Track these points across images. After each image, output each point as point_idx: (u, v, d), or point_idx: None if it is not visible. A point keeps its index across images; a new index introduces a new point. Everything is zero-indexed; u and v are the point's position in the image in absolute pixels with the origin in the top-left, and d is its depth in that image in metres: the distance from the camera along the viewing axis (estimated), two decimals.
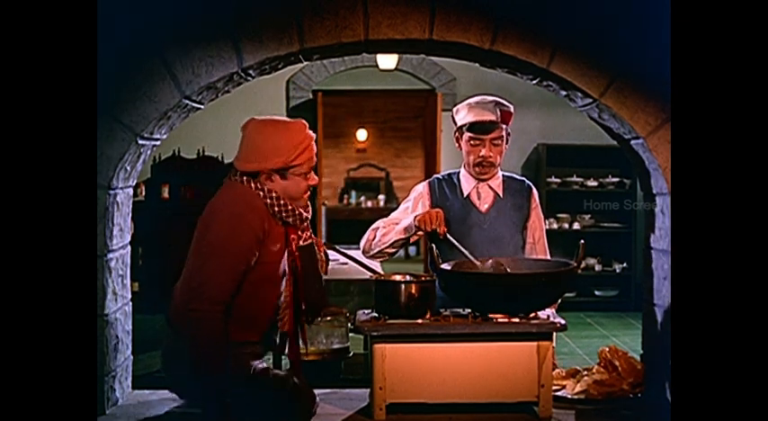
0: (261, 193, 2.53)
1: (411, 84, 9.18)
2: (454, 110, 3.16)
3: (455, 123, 3.16)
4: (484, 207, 3.14)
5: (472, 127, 3.08)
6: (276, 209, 2.55)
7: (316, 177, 2.64)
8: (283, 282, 2.62)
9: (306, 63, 3.20)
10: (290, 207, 2.56)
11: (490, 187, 3.16)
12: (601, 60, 2.79)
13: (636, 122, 2.79)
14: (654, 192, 2.96)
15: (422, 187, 3.23)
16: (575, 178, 7.98)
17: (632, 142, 2.92)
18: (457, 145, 3.18)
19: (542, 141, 7.95)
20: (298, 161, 2.55)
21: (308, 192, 2.64)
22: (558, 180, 7.90)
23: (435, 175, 3.28)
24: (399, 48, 3.05)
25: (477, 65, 3.03)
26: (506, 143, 3.14)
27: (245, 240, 2.47)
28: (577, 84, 2.80)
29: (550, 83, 2.92)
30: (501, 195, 3.16)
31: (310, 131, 2.60)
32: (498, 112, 3.05)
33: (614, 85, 2.78)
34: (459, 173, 3.22)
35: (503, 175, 3.21)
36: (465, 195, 3.15)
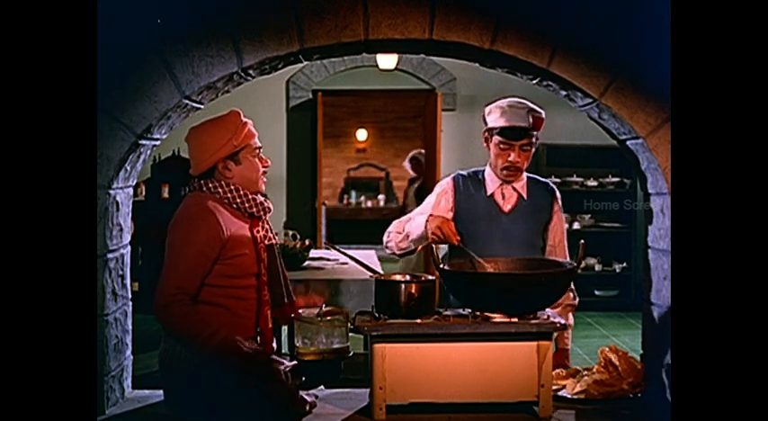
0: (220, 191, 2.65)
1: (411, 84, 9.18)
2: (486, 110, 3.14)
3: (485, 123, 3.14)
4: (507, 207, 3.15)
5: (503, 131, 3.07)
6: (239, 200, 2.66)
7: (267, 160, 2.76)
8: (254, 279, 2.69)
9: (306, 63, 3.19)
10: (250, 196, 2.68)
11: (514, 189, 3.16)
12: (601, 60, 2.79)
13: (636, 122, 2.79)
14: (654, 192, 2.96)
15: (446, 183, 3.23)
16: (575, 178, 7.98)
17: (632, 142, 2.92)
18: (485, 145, 3.16)
19: (542, 141, 7.91)
20: (243, 141, 2.67)
21: (265, 175, 2.75)
22: (558, 180, 7.90)
23: (459, 172, 3.27)
24: (399, 48, 3.05)
25: (477, 65, 3.02)
26: (534, 148, 3.14)
27: (202, 236, 2.56)
28: (577, 84, 2.80)
29: (550, 83, 2.92)
30: (525, 197, 3.16)
31: (244, 117, 2.71)
32: (530, 119, 3.04)
33: (614, 85, 2.78)
34: (484, 171, 3.21)
35: (527, 177, 3.21)
36: (489, 194, 3.15)
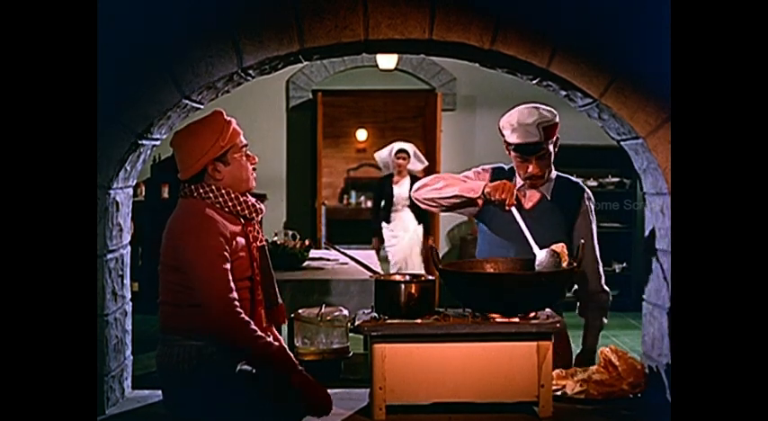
0: (212, 196, 2.64)
1: (411, 84, 9.19)
2: (500, 123, 3.13)
3: (502, 134, 3.14)
4: (528, 205, 3.15)
5: (517, 148, 3.08)
6: (230, 204, 2.66)
7: (255, 157, 2.76)
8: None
9: (306, 63, 3.19)
10: (241, 198, 2.68)
11: (538, 189, 3.17)
12: (601, 60, 2.79)
13: (636, 122, 2.79)
14: (653, 192, 2.96)
15: (483, 169, 3.26)
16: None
17: (632, 142, 2.92)
18: (507, 153, 3.18)
19: None
20: (229, 141, 2.66)
21: (254, 172, 2.75)
22: None
23: (500, 164, 3.28)
24: (399, 48, 3.05)
25: (477, 65, 3.02)
26: (556, 148, 3.13)
27: (215, 242, 2.56)
28: (577, 84, 2.80)
29: (550, 83, 2.92)
30: (548, 197, 3.16)
31: (227, 117, 2.71)
32: (541, 132, 3.02)
33: (614, 85, 2.78)
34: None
35: (557, 176, 3.21)
36: None
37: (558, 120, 3.08)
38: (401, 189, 7.87)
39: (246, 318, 2.53)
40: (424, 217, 7.93)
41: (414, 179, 7.71)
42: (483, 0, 2.77)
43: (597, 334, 3.25)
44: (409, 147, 8.02)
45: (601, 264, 3.25)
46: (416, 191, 3.22)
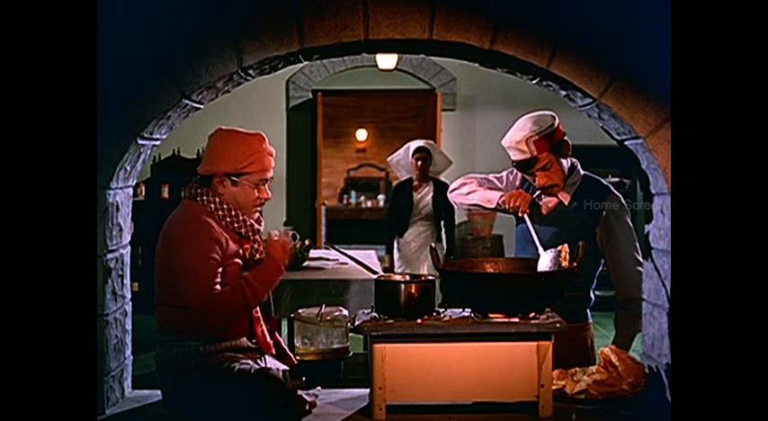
0: (212, 206, 2.64)
1: (411, 83, 9.20)
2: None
3: None
4: (544, 211, 3.17)
5: (516, 166, 3.13)
6: (228, 219, 2.66)
7: (269, 192, 2.72)
8: None
9: (306, 63, 3.20)
10: (240, 217, 2.66)
11: (556, 195, 3.17)
12: (601, 60, 2.79)
13: (636, 122, 2.79)
14: (654, 192, 2.96)
15: (516, 172, 3.30)
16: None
17: (632, 142, 2.92)
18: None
19: None
20: (248, 169, 2.65)
21: (260, 206, 2.72)
22: None
23: None
24: (399, 48, 3.05)
25: (477, 65, 3.02)
26: (562, 154, 3.12)
27: (209, 246, 2.57)
28: (577, 84, 2.80)
29: (550, 83, 2.92)
30: (565, 203, 3.17)
31: (269, 146, 2.69)
32: (532, 147, 3.03)
33: (614, 85, 2.78)
34: None
35: (584, 176, 3.21)
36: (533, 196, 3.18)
37: (554, 125, 3.08)
38: (422, 196, 6.65)
39: (220, 290, 2.54)
40: (448, 232, 6.80)
41: (438, 185, 6.68)
42: (483, 0, 2.77)
43: (628, 343, 3.20)
44: (429, 145, 6.72)
45: (637, 271, 3.16)
46: (450, 192, 3.36)
